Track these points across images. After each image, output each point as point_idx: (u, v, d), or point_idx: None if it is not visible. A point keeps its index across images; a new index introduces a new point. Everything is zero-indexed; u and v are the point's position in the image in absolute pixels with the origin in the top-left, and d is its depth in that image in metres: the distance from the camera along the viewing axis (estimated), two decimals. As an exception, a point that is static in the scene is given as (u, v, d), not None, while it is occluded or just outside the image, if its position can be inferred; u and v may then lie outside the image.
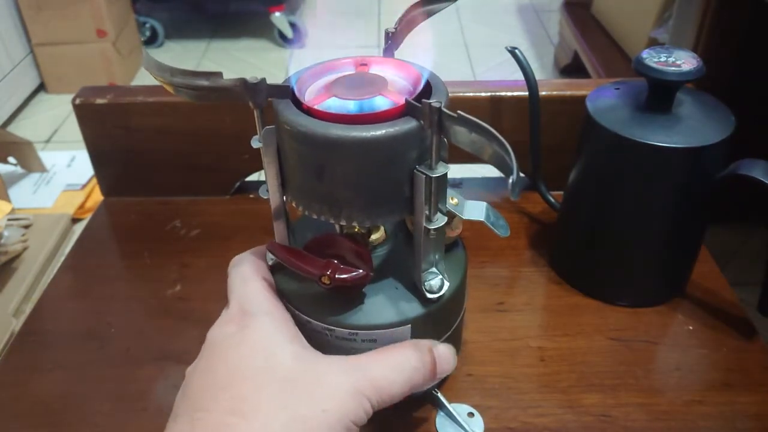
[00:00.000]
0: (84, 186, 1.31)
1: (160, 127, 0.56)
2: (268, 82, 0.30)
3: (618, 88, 0.45)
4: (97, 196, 0.53)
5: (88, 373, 0.43)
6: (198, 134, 0.57)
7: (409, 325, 0.34)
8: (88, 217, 1.26)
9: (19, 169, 1.35)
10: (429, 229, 0.31)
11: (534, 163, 0.54)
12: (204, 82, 0.28)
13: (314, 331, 0.34)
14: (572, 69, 1.76)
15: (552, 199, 0.53)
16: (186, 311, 0.47)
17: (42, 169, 1.35)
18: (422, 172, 0.30)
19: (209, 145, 0.57)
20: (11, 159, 1.34)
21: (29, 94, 1.77)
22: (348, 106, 0.30)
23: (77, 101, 0.55)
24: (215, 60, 2.02)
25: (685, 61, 0.41)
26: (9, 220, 1.08)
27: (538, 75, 0.49)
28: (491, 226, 0.43)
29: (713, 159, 0.41)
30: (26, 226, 1.14)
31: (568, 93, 0.54)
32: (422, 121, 0.29)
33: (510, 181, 0.25)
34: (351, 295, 0.34)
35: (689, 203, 0.43)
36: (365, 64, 0.34)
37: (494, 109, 0.55)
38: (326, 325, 0.33)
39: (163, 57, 2.06)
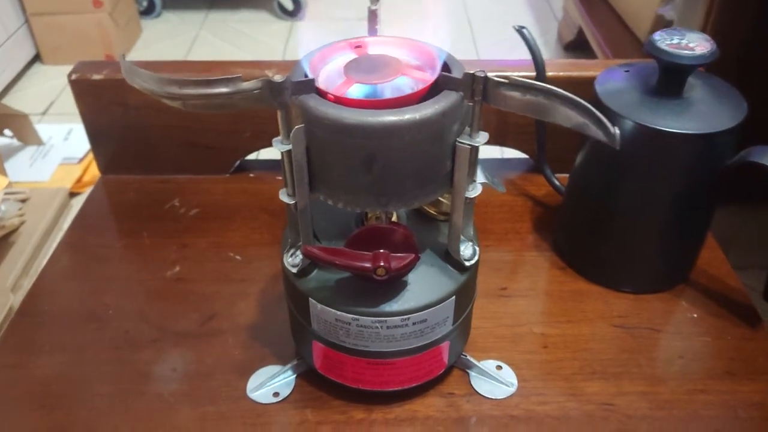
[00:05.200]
0: (81, 160, 1.29)
1: (158, 104, 0.54)
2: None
3: (627, 71, 0.44)
4: (95, 171, 0.52)
5: (87, 356, 0.42)
6: (198, 112, 0.55)
7: (454, 297, 0.34)
8: (85, 191, 1.25)
9: (15, 142, 1.34)
10: (468, 198, 0.32)
11: (539, 146, 0.53)
12: (223, 89, 0.27)
13: (362, 327, 0.34)
14: (576, 46, 1.73)
15: (557, 183, 0.53)
16: (185, 293, 0.47)
17: (38, 142, 1.33)
18: (466, 144, 0.30)
19: (209, 123, 0.56)
20: (7, 132, 1.32)
21: (24, 65, 1.74)
22: (376, 90, 0.30)
23: (73, 77, 0.54)
24: (214, 31, 1.98)
25: (698, 44, 0.40)
26: (5, 194, 1.07)
27: (542, 52, 0.48)
28: (492, 185, 0.43)
29: (724, 145, 0.40)
30: (23, 200, 1.13)
31: (576, 74, 0.53)
32: (462, 92, 0.29)
33: (612, 132, 0.25)
34: (397, 281, 0.33)
35: (697, 189, 0.42)
36: (360, 46, 0.33)
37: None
38: (377, 318, 0.33)
39: (160, 28, 2.03)
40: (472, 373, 0.41)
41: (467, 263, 0.35)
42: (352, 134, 0.28)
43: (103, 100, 0.55)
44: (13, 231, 1.07)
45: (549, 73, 0.50)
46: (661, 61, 0.40)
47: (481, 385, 0.40)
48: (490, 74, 0.28)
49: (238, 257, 0.50)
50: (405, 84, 0.30)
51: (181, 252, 0.51)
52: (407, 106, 0.29)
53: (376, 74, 0.30)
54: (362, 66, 0.31)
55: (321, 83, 0.30)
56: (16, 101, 1.59)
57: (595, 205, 0.46)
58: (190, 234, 0.52)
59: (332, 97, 0.29)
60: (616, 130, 0.25)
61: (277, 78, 0.28)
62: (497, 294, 0.47)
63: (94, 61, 0.55)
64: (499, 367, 0.41)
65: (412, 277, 0.34)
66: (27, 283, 1.04)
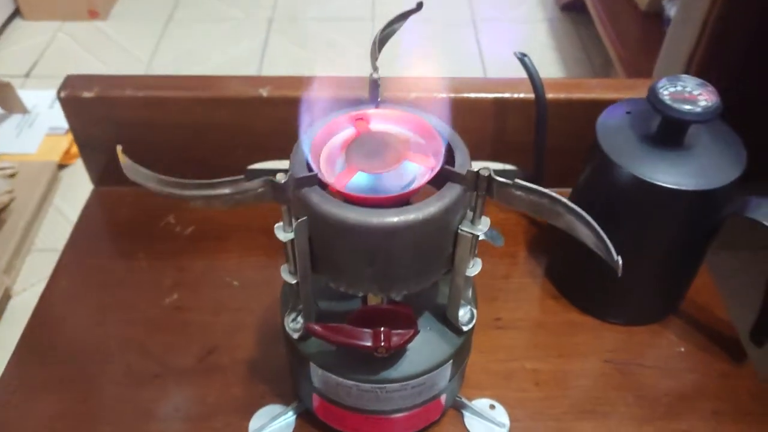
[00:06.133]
0: (68, 130, 1.27)
1: (150, 120, 0.54)
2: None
3: (629, 112, 0.44)
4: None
5: (89, 393, 0.43)
6: (191, 128, 0.55)
7: (451, 360, 0.35)
8: (74, 162, 1.24)
9: (-1, 110, 1.31)
10: (468, 276, 0.32)
11: (537, 169, 0.52)
12: (225, 191, 0.27)
13: (363, 391, 0.35)
14: (572, 6, 1.69)
15: (552, 207, 0.53)
16: (183, 324, 0.47)
17: (23, 110, 1.30)
18: (468, 232, 0.30)
19: (203, 139, 0.55)
20: (-10, 99, 1.29)
21: (4, 21, 1.68)
22: (379, 181, 0.29)
23: (62, 94, 0.53)
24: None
25: (701, 93, 0.40)
26: (-6, 170, 1.06)
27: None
28: (489, 240, 0.43)
29: (722, 200, 0.40)
30: (11, 176, 1.12)
31: (576, 96, 0.53)
32: (466, 187, 0.29)
33: (615, 259, 0.26)
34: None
35: (692, 238, 0.43)
36: (362, 119, 0.32)
37: (498, 109, 0.53)
38: (376, 385, 0.34)
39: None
40: (466, 414, 0.42)
41: (465, 327, 0.35)
42: (355, 233, 0.28)
43: (94, 117, 0.54)
44: (3, 209, 1.06)
45: (549, 95, 0.50)
46: (661, 113, 0.39)
47: (474, 425, 0.42)
48: (495, 175, 0.28)
49: (235, 283, 0.51)
50: (408, 172, 0.30)
51: (178, 276, 0.51)
52: (411, 197, 0.29)
53: (379, 160, 0.30)
54: (364, 148, 0.30)
55: (323, 170, 0.30)
56: (-4, 62, 1.55)
57: (590, 240, 0.47)
58: (186, 256, 0.52)
59: (340, 192, 0.29)
60: (620, 260, 0.25)
61: (280, 178, 0.28)
62: (492, 325, 0.48)
63: (81, 75, 0.54)
64: (492, 407, 0.43)
65: (410, 344, 0.35)
66: (20, 265, 1.04)
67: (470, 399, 0.43)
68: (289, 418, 0.42)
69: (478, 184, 0.28)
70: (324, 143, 0.32)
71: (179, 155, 0.56)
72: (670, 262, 0.45)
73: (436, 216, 0.28)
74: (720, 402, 0.43)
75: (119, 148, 0.29)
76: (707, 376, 0.45)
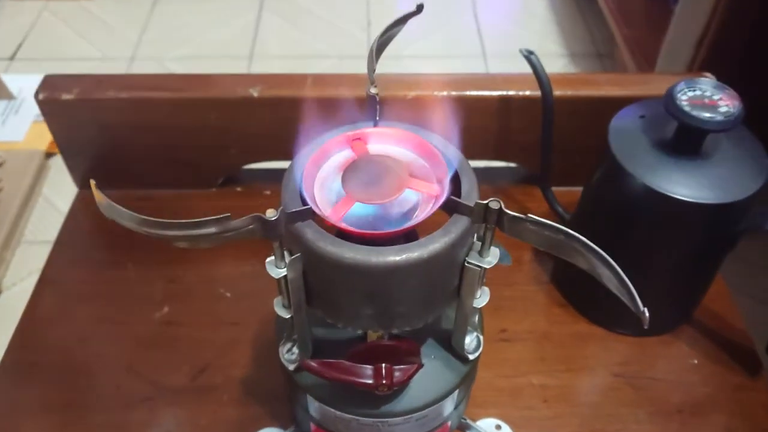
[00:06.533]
0: (56, 116, 1.23)
1: (136, 123, 0.51)
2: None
3: (643, 116, 0.41)
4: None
5: (78, 417, 0.41)
6: (179, 129, 0.52)
7: (457, 390, 0.33)
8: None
9: (-17, 95, 1.27)
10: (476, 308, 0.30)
11: (544, 169, 0.50)
12: (211, 230, 0.24)
13: (363, 425, 0.33)
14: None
15: (561, 209, 0.51)
16: (175, 340, 0.45)
17: (9, 96, 1.27)
18: (476, 265, 0.28)
19: (191, 141, 0.53)
20: (-25, 84, 1.25)
21: (-14, -1, 1.63)
22: (380, 212, 0.27)
23: (41, 96, 0.50)
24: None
25: (722, 98, 0.37)
26: (-20, 161, 1.03)
27: None
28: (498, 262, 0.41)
29: (742, 213, 0.38)
30: (-2, 165, 1.09)
31: (584, 93, 0.50)
32: (473, 218, 0.27)
33: (641, 310, 0.24)
34: None
35: (707, 251, 0.41)
36: (360, 139, 0.30)
37: (503, 107, 0.50)
38: (377, 419, 0.32)
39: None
40: (471, 435, 0.41)
41: (471, 356, 0.33)
42: (353, 273, 0.26)
43: (75, 120, 0.51)
44: (-9, 200, 1.03)
45: (556, 93, 0.47)
46: (679, 120, 0.37)
47: (479, 447, 0.40)
48: (505, 208, 0.26)
49: (228, 294, 0.48)
50: (410, 201, 0.28)
51: (168, 289, 0.49)
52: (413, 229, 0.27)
53: (378, 189, 0.27)
54: (362, 175, 0.28)
55: (317, 199, 0.28)
56: (-21, 44, 1.50)
57: (599, 249, 0.45)
58: (176, 265, 0.50)
59: (337, 227, 0.26)
60: (646, 312, 0.23)
61: (270, 215, 0.25)
62: (497, 338, 0.46)
63: (61, 75, 0.51)
64: (498, 427, 0.41)
65: None
66: (10, 257, 1.02)
67: (475, 419, 0.41)
68: (286, 442, 0.40)
69: (487, 216, 0.26)
70: (318, 167, 0.29)
71: (168, 157, 0.54)
72: (684, 274, 0.42)
73: (441, 253, 0.26)
74: (734, 418, 0.42)
75: (93, 183, 0.26)
76: (721, 390, 0.43)
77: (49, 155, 1.19)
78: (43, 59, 1.48)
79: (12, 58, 1.49)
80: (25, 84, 1.31)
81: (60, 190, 1.14)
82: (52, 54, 1.55)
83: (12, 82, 1.29)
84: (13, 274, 1.01)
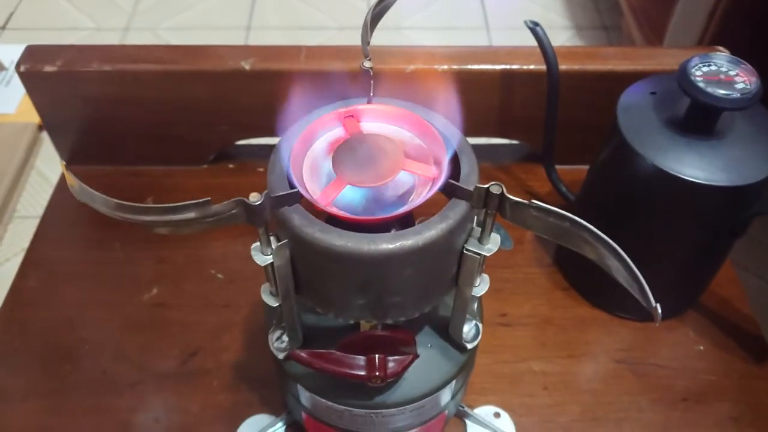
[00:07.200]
0: (48, 87, 1.21)
1: (121, 96, 0.49)
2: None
3: (654, 92, 0.39)
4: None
5: (63, 403, 0.40)
6: (167, 103, 0.50)
7: (454, 380, 0.32)
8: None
9: (-26, 66, 1.24)
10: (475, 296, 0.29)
11: (547, 146, 0.48)
12: (191, 215, 0.23)
13: (356, 416, 0.32)
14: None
15: (564, 189, 0.49)
16: (164, 323, 0.44)
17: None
18: (475, 252, 0.26)
19: (181, 116, 0.50)
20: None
21: (-24, -34, 1.59)
22: (372, 196, 0.25)
23: (22, 68, 0.48)
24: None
25: (738, 74, 0.35)
26: (-31, 134, 1.01)
27: None
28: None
29: (755, 196, 0.36)
30: (-11, 138, 1.07)
31: (591, 67, 0.48)
32: (471, 203, 0.25)
33: (653, 305, 0.22)
34: None
35: (717, 235, 0.39)
36: (352, 117, 0.28)
37: (505, 82, 0.48)
38: (370, 410, 0.31)
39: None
40: (469, 423, 0.39)
41: (470, 345, 0.32)
42: (344, 261, 0.24)
43: (59, 93, 0.49)
44: (-18, 174, 1.01)
45: (562, 67, 0.45)
46: (692, 98, 0.35)
47: (477, 434, 0.39)
48: (507, 193, 0.24)
49: (219, 275, 0.47)
50: (406, 183, 0.26)
51: (158, 270, 0.47)
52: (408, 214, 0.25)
53: (371, 170, 0.25)
54: (354, 156, 0.26)
55: (306, 181, 0.26)
56: (-30, 13, 1.46)
57: (603, 231, 0.43)
58: (166, 245, 0.49)
59: (327, 211, 0.24)
60: (659, 308, 0.21)
61: (254, 198, 0.23)
62: (497, 322, 0.44)
63: (43, 46, 0.49)
64: (497, 415, 0.40)
65: None
66: (2, 232, 1.00)
67: (473, 407, 0.40)
68: (278, 430, 0.39)
69: (488, 202, 0.24)
70: (307, 147, 0.27)
71: (157, 133, 0.52)
72: (692, 258, 0.41)
73: (438, 240, 0.24)
74: (739, 406, 0.40)
75: (63, 164, 0.25)
76: (727, 377, 0.42)
77: (42, 128, 1.16)
78: (35, 29, 1.45)
79: (3, 27, 1.45)
80: (17, 55, 1.27)
81: (54, 164, 1.12)
82: (44, 24, 1.52)
83: (2, 52, 1.26)
84: (5, 249, 1.00)
